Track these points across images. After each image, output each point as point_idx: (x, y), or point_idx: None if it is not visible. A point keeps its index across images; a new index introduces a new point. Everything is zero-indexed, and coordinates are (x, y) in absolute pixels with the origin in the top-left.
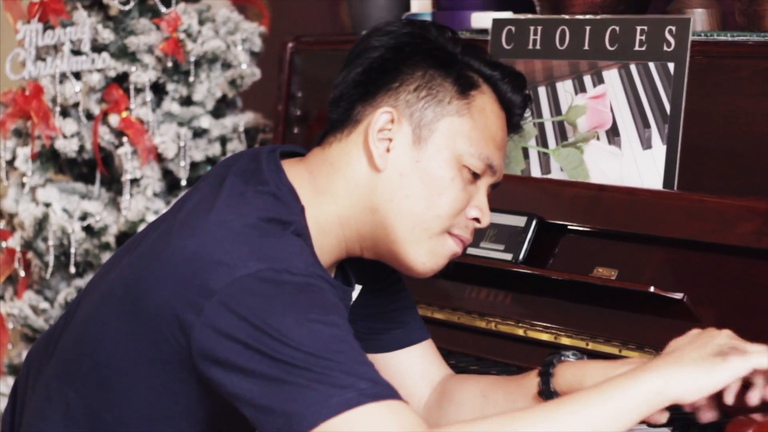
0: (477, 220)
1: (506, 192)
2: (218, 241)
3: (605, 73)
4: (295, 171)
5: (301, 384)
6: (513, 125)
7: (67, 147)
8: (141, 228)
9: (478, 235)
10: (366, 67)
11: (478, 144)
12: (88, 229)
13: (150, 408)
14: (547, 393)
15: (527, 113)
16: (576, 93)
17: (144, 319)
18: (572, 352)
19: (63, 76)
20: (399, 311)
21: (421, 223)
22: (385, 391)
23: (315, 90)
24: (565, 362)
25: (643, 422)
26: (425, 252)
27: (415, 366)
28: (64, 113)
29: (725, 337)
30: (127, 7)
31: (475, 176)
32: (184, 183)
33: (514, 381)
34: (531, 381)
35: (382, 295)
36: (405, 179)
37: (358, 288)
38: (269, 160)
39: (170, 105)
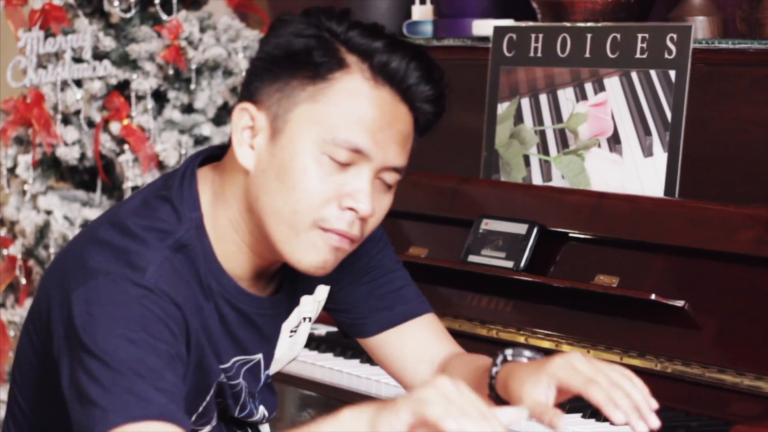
0: (353, 210)
1: (507, 200)
2: (94, 243)
3: (606, 81)
4: (203, 178)
5: (93, 399)
6: (418, 99)
7: (69, 154)
8: None
9: (480, 243)
10: (248, 67)
11: (335, 129)
12: None
13: (53, 405)
14: (494, 396)
15: (437, 77)
16: (577, 100)
17: (37, 315)
18: (528, 351)
19: (64, 84)
20: (384, 296)
21: (284, 221)
22: (152, 412)
23: None
24: (514, 363)
25: None
26: (299, 249)
27: (405, 347)
28: (66, 121)
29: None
30: (128, 15)
31: (344, 164)
32: None
33: (481, 372)
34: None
35: (363, 283)
36: (265, 176)
37: (324, 289)
38: (188, 165)
39: (171, 112)
